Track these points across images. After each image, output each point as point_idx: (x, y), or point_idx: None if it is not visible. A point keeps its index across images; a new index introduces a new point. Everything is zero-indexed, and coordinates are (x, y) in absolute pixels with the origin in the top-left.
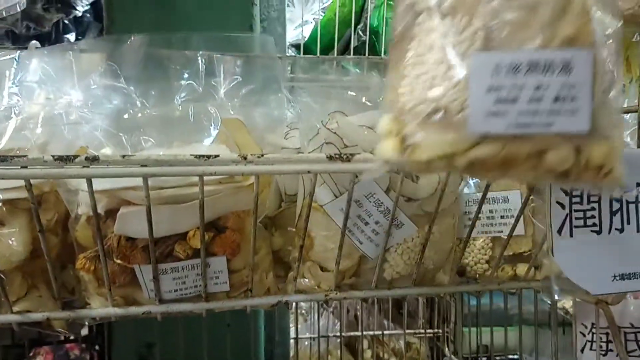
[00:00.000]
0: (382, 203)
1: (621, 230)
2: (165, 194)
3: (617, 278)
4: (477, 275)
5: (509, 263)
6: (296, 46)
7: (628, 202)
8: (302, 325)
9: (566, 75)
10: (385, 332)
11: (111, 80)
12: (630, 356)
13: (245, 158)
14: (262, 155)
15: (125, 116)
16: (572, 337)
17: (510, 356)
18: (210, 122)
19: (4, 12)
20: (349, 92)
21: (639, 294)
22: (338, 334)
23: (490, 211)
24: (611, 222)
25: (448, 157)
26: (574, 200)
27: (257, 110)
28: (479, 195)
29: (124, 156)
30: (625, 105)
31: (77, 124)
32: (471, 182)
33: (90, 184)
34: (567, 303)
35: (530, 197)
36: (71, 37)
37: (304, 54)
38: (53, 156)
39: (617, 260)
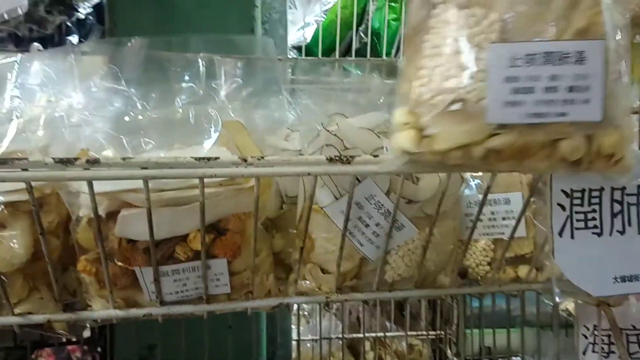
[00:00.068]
0: (382, 205)
1: (622, 232)
2: (166, 196)
3: (619, 280)
4: (479, 277)
5: (510, 265)
6: (298, 48)
7: (629, 204)
8: (304, 327)
9: (580, 66)
10: (388, 334)
11: (112, 83)
12: (632, 358)
13: (245, 160)
14: (263, 158)
15: (126, 118)
16: (574, 339)
17: (513, 358)
18: (210, 124)
19: (5, 15)
20: (350, 94)
21: None
22: (340, 335)
23: (492, 213)
24: (612, 223)
25: (465, 147)
26: (575, 202)
27: (257, 112)
28: (481, 196)
29: (124, 158)
30: None
31: (78, 127)
32: (472, 183)
33: (91, 187)
34: (569, 305)
35: (532, 199)
36: (74, 39)
37: (305, 56)
38: (54, 159)
39: (618, 262)
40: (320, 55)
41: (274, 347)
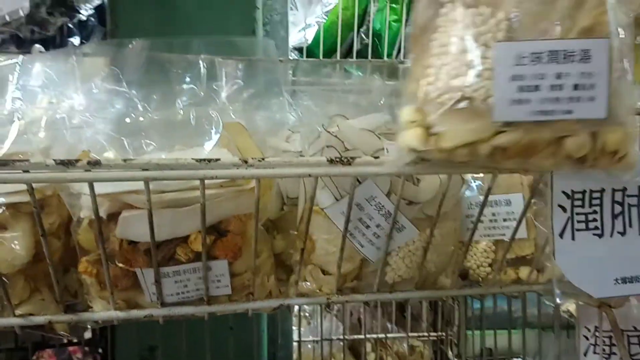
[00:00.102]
0: (383, 206)
1: (623, 234)
2: (167, 197)
3: (620, 281)
4: (480, 279)
5: (511, 266)
6: (299, 49)
7: (630, 205)
8: (305, 328)
9: (585, 64)
10: (389, 335)
11: (113, 85)
12: (633, 359)
13: (246, 162)
14: (263, 159)
15: (127, 120)
16: (575, 340)
17: (514, 359)
18: (211, 125)
19: (7, 17)
20: (350, 96)
21: None
22: (341, 337)
23: (493, 214)
24: (613, 225)
25: (472, 145)
26: (576, 203)
27: (258, 113)
28: (481, 198)
29: (125, 160)
30: None
31: (80, 128)
32: (473, 184)
33: (92, 188)
34: (571, 306)
35: (533, 200)
36: (75, 40)
37: (307, 57)
38: (55, 160)
39: (619, 263)
40: (321, 57)
41: (275, 349)
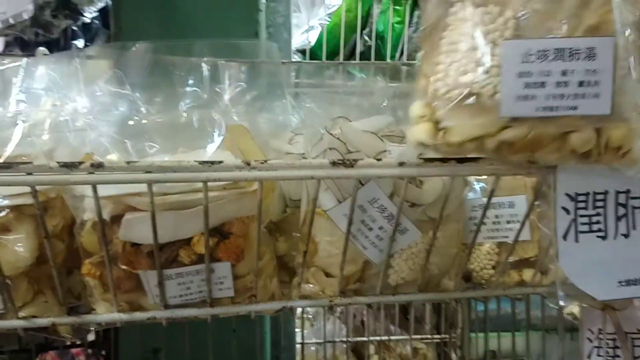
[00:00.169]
0: (385, 208)
1: (627, 236)
2: (170, 199)
3: (623, 284)
4: (483, 281)
5: (515, 268)
6: (302, 51)
7: (634, 208)
8: (309, 331)
9: (590, 61)
10: (392, 337)
11: (117, 87)
12: None
13: (249, 164)
14: (266, 161)
15: (131, 123)
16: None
17: None
18: (214, 128)
19: (11, 19)
20: (353, 98)
21: None
22: (344, 339)
23: (496, 216)
24: (617, 227)
25: (479, 140)
26: (580, 205)
27: (261, 116)
28: (485, 200)
29: (128, 162)
30: None
31: (83, 131)
32: (477, 186)
33: (95, 190)
34: (574, 308)
35: (536, 202)
36: (79, 43)
37: (310, 59)
38: (58, 163)
39: (623, 265)
40: (324, 59)
41: (278, 351)
